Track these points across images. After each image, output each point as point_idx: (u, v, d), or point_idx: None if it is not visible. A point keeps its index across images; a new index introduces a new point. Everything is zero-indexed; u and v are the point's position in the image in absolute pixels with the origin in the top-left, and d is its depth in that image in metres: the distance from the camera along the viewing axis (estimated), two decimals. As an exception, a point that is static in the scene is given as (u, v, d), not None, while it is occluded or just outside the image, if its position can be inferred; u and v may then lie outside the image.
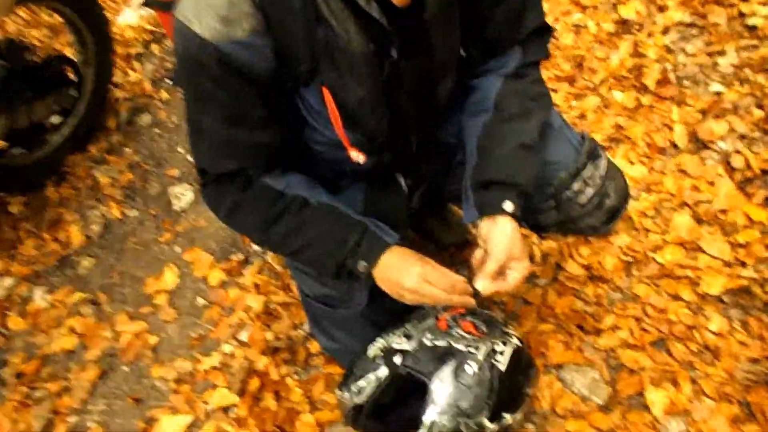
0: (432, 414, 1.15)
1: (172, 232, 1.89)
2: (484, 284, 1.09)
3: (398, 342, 1.23)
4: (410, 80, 1.06)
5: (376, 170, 1.22)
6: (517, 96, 1.16)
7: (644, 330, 1.54)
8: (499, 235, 1.09)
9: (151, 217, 1.97)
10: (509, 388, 1.20)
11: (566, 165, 1.24)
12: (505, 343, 1.23)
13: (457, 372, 1.17)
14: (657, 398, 1.40)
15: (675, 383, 1.42)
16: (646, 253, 1.68)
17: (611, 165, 1.31)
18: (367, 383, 1.24)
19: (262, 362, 1.52)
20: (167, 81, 2.39)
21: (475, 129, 1.17)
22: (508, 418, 1.20)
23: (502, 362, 1.20)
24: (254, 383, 1.47)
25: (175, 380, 1.52)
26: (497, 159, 1.13)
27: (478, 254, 1.11)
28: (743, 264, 1.59)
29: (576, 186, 1.25)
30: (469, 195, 1.14)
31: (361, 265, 1.09)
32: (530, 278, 1.71)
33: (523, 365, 1.25)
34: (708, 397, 1.39)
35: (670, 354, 1.49)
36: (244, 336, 1.61)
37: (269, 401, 1.45)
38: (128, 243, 1.91)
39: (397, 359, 1.21)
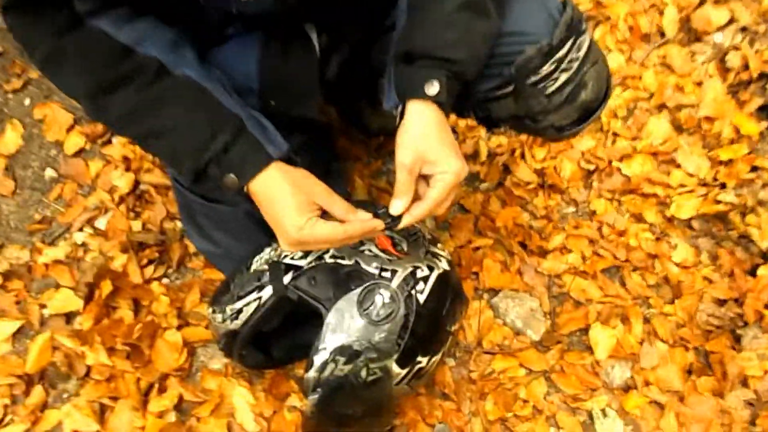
0: (325, 353, 0.86)
1: (23, 78, 1.44)
2: (398, 206, 0.78)
3: (291, 255, 0.91)
4: None
5: (277, 16, 0.83)
6: None
7: (597, 255, 1.28)
8: (410, 129, 0.77)
9: (-4, 57, 1.50)
10: (429, 325, 0.92)
11: (536, 38, 0.88)
12: (430, 268, 0.93)
13: (363, 301, 0.87)
14: (602, 338, 1.17)
15: (625, 321, 1.19)
16: (611, 162, 1.40)
17: (594, 47, 0.96)
18: (246, 306, 0.93)
19: (121, 260, 1.18)
20: None
21: None
22: (423, 362, 0.93)
23: (423, 292, 0.91)
24: (106, 287, 1.13)
25: (5, 273, 1.17)
26: (429, 23, 0.78)
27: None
28: (722, 186, 1.33)
29: (545, 69, 0.90)
30: (390, 70, 0.79)
31: (229, 178, 0.75)
32: (470, 181, 1.40)
33: (449, 296, 0.96)
34: (661, 340, 1.17)
35: (623, 285, 1.25)
36: (102, 223, 1.25)
37: (124, 311, 1.13)
38: (-38, 88, 1.45)
39: (287, 278, 0.90)
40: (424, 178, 0.81)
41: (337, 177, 1.23)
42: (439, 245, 1.01)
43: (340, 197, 0.79)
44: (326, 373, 0.87)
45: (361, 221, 0.78)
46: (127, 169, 1.32)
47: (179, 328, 1.14)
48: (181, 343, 1.12)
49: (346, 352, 0.86)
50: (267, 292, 0.91)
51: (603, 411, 1.10)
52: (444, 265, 0.96)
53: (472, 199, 1.36)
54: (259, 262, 0.96)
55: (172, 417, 1.06)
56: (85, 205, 1.28)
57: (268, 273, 0.93)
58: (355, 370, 0.87)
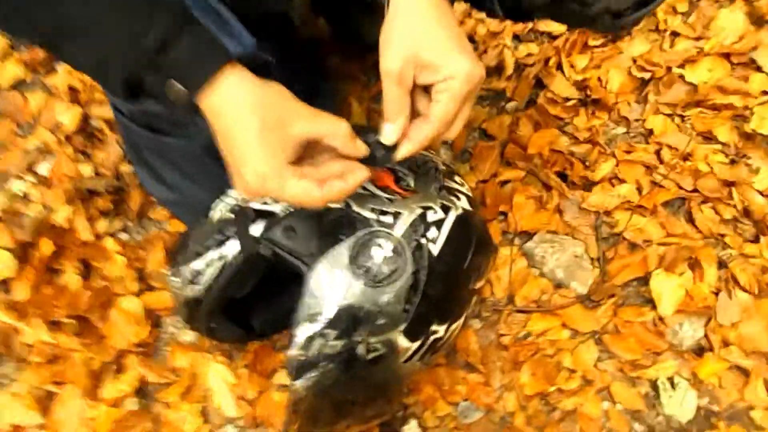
0: (310, 325, 0.64)
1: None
2: (390, 133, 0.57)
3: (261, 199, 0.69)
4: None
5: None
6: None
7: (657, 185, 1.02)
8: (396, 21, 0.55)
9: None
10: (446, 283, 0.69)
11: None
12: (445, 208, 0.70)
13: (357, 257, 0.64)
14: (666, 288, 0.92)
15: (695, 266, 0.95)
16: (671, 69, 1.12)
17: None
18: (207, 266, 0.71)
19: (65, 213, 0.96)
20: None
21: None
22: (439, 331, 0.71)
23: (437, 240, 0.68)
24: (47, 246, 0.92)
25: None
26: None
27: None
28: (816, 90, 1.05)
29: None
30: None
31: (174, 89, 0.53)
32: (495, 100, 1.14)
33: (472, 243, 0.73)
34: (742, 289, 0.93)
35: (691, 222, 1.00)
36: (44, 169, 1.03)
37: (70, 276, 0.92)
38: None
39: (257, 229, 0.67)
40: (424, 90, 0.57)
41: (327, 100, 0.98)
42: (457, 178, 0.77)
43: (334, 118, 0.55)
44: (313, 350, 0.64)
45: (344, 168, 0.56)
46: (75, 102, 1.09)
47: (139, 293, 0.93)
48: (143, 312, 0.91)
49: (337, 324, 0.64)
50: (232, 247, 0.69)
51: (670, 380, 0.87)
52: (464, 203, 0.72)
53: (498, 123, 1.10)
54: (222, 210, 0.73)
55: (132, 404, 0.86)
56: (24, 147, 1.06)
57: (233, 223, 0.71)
58: (350, 347, 0.65)
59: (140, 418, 0.84)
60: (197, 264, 0.72)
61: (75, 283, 0.91)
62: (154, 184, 0.86)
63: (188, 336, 0.92)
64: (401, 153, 0.58)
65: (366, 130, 0.60)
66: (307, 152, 0.56)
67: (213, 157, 0.76)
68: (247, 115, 0.52)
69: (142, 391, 0.87)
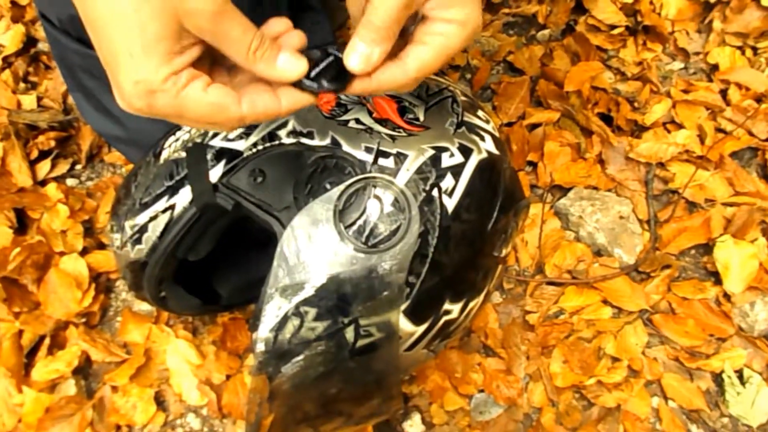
0: (283, 302, 0.48)
1: None
2: (355, 59, 0.38)
3: (223, 132, 0.52)
4: None
5: None
6: None
7: (722, 131, 0.83)
8: None
9: None
10: (463, 250, 0.52)
11: None
12: (465, 151, 0.52)
13: (346, 211, 0.48)
14: (735, 259, 0.75)
15: (769, 232, 0.77)
16: (741, -9, 0.91)
17: None
18: (152, 220, 0.55)
19: (-3, 152, 0.79)
20: None
21: None
22: (453, 311, 0.54)
23: (454, 193, 0.51)
24: (-28, 193, 0.75)
25: None
26: None
27: None
28: None
29: None
30: None
31: None
32: (524, 27, 0.94)
33: (498, 198, 0.55)
34: (829, 261, 0.75)
35: (765, 178, 0.81)
36: (-23, 99, 0.85)
37: (0, 229, 0.75)
38: None
39: (216, 172, 0.51)
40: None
41: (318, 15, 0.79)
42: (480, 113, 0.58)
43: (244, 22, 0.36)
44: (286, 334, 0.48)
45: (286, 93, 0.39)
46: (16, 21, 0.90)
47: (85, 252, 0.76)
48: (88, 275, 0.74)
49: (318, 300, 0.47)
50: (183, 197, 0.53)
51: (739, 373, 0.70)
52: (488, 145, 0.54)
53: (527, 54, 0.91)
54: (173, 146, 0.56)
55: (69, 387, 0.70)
56: (-46, 72, 0.88)
57: (185, 164, 0.53)
58: (334, 330, 0.48)
59: (79, 404, 0.68)
60: (141, 218, 0.55)
61: (4, 237, 0.74)
62: (94, 114, 0.68)
63: (145, 304, 0.75)
64: (354, 88, 0.39)
65: (323, 46, 0.41)
66: (219, 62, 0.39)
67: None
68: (124, 21, 0.33)
69: (84, 371, 0.71)
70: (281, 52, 0.37)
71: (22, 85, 0.87)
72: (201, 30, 0.34)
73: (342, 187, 0.47)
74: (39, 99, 0.86)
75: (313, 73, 0.38)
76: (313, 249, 0.46)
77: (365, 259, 0.46)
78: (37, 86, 0.87)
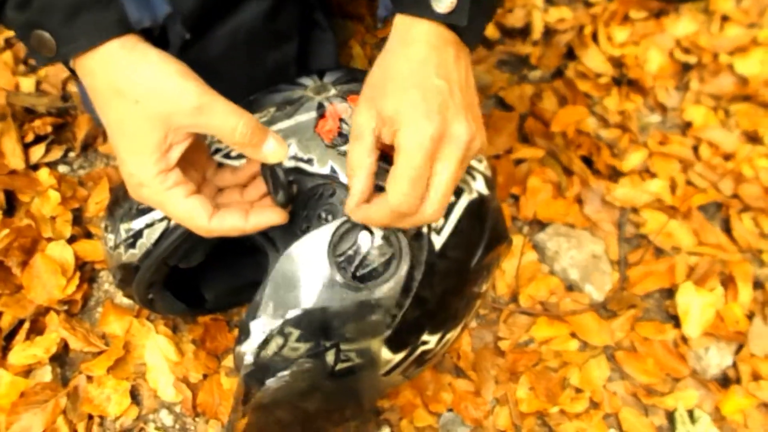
0: (270, 320, 0.50)
1: None
2: (350, 201, 0.45)
3: (226, 148, 0.54)
4: None
5: None
6: None
7: (692, 185, 0.89)
8: (379, 67, 0.45)
9: None
10: (447, 285, 0.54)
11: None
12: (456, 191, 0.54)
13: (340, 244, 0.49)
14: (694, 305, 0.80)
15: (728, 283, 0.82)
16: (718, 56, 0.98)
17: None
18: (148, 227, 0.56)
19: (-8, 132, 0.79)
20: None
21: None
22: (430, 342, 0.56)
23: (443, 231, 0.53)
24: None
25: None
26: None
27: None
28: None
29: None
30: None
31: (46, 49, 0.42)
32: (517, 67, 0.99)
33: (484, 237, 0.57)
34: (780, 315, 0.80)
35: (728, 232, 0.87)
36: (-26, 77, 0.85)
37: (-13, 209, 0.75)
38: None
39: None
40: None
41: (324, 34, 0.82)
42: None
43: (231, 109, 0.41)
44: (269, 351, 0.50)
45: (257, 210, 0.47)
46: (22, 3, 0.90)
47: (72, 240, 0.76)
48: (73, 262, 0.75)
49: (303, 324, 0.49)
50: None
51: (690, 413, 0.75)
52: (480, 185, 0.57)
53: (518, 92, 0.95)
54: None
55: (45, 373, 0.70)
56: (-47, 48, 0.87)
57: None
58: (315, 352, 0.50)
59: (54, 391, 0.68)
60: (136, 223, 0.56)
61: (-6, 223, 0.74)
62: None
63: (128, 298, 0.76)
64: (348, 206, 0.45)
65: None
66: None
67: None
68: (118, 93, 0.41)
69: (61, 358, 0.72)
70: (268, 137, 0.43)
71: (21, 67, 0.87)
72: (186, 125, 0.42)
73: (338, 222, 0.48)
74: (38, 83, 0.86)
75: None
76: (304, 277, 0.48)
77: (354, 291, 0.48)
78: (36, 70, 0.87)
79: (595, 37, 0.99)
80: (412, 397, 0.73)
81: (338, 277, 0.47)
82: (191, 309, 0.68)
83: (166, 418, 0.71)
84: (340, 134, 0.53)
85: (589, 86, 0.96)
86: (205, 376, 0.72)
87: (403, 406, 0.73)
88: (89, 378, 0.71)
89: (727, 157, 0.91)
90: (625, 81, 0.97)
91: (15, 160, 0.79)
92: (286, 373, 0.51)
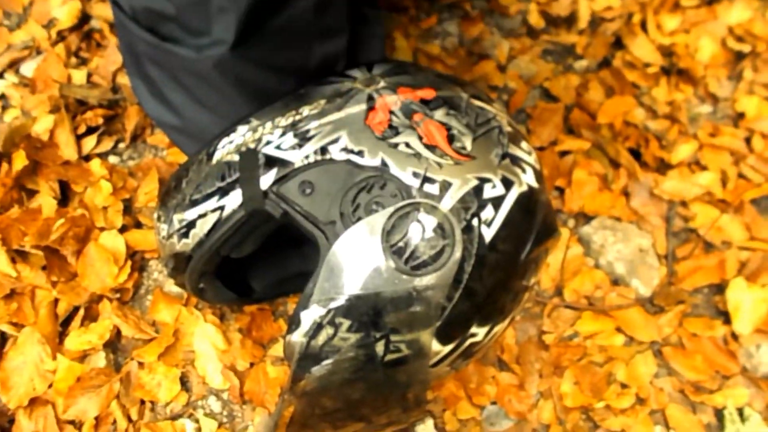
0: (320, 309, 0.50)
1: None
2: None
3: (278, 140, 0.54)
4: None
5: None
6: None
7: (744, 177, 0.87)
8: None
9: None
10: (496, 278, 0.54)
11: None
12: (507, 183, 0.54)
13: (392, 232, 0.49)
14: (746, 301, 0.78)
15: (781, 279, 0.80)
16: (774, 44, 0.95)
17: None
18: (201, 218, 0.57)
19: (46, 123, 0.81)
20: None
21: None
22: (478, 334, 0.56)
23: (493, 223, 0.53)
24: (20, 159, 0.77)
25: None
26: None
27: None
28: None
29: None
30: None
31: None
32: (562, 57, 0.97)
33: (533, 230, 0.57)
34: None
35: (781, 226, 0.84)
36: (29, 69, 0.87)
37: (45, 199, 0.77)
38: None
39: (267, 179, 0.53)
40: None
41: (376, 27, 0.81)
42: (524, 144, 0.60)
43: None
44: (319, 340, 0.50)
45: None
46: (73, -5, 0.92)
47: (124, 230, 0.78)
48: (125, 251, 0.76)
49: (354, 313, 0.49)
50: (233, 199, 0.54)
51: (740, 411, 0.73)
52: (530, 178, 0.56)
53: (563, 82, 0.93)
54: (226, 148, 0.57)
55: (99, 359, 0.72)
56: (9, 41, 0.90)
57: (237, 167, 0.55)
58: (365, 343, 0.51)
59: (108, 376, 0.71)
60: (189, 213, 0.57)
61: (49, 208, 0.76)
62: (152, 101, 0.70)
63: (176, 286, 0.78)
64: None
65: None
66: None
67: (226, 76, 0.61)
68: None
69: (113, 345, 0.74)
70: None
71: (73, 59, 0.89)
72: None
73: (391, 209, 0.49)
74: (89, 75, 0.88)
75: None
76: (357, 266, 0.48)
77: (407, 281, 0.48)
78: (87, 62, 0.89)
79: (643, 25, 0.97)
80: (455, 390, 0.73)
81: (391, 263, 0.47)
82: (240, 298, 0.69)
83: (214, 405, 0.73)
84: (391, 126, 0.53)
85: (637, 76, 0.94)
86: (251, 365, 0.74)
87: (446, 398, 0.73)
88: (140, 364, 0.73)
89: (782, 148, 0.88)
90: (674, 70, 0.94)
91: (69, 150, 0.81)
92: (333, 361, 0.52)
